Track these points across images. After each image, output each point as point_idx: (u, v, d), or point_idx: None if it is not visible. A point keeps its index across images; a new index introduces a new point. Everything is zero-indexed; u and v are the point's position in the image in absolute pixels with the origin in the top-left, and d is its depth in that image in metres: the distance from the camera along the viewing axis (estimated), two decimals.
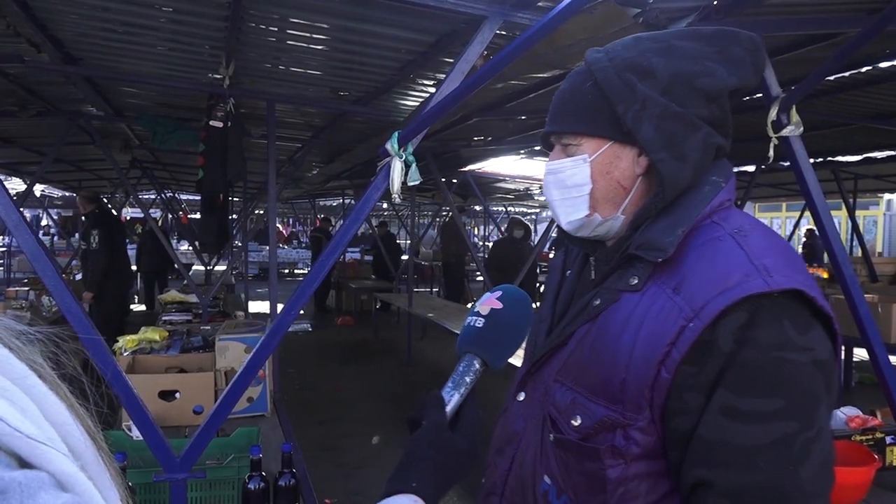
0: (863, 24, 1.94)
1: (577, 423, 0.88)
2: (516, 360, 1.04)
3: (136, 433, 2.41)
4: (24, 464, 0.34)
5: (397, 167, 1.93)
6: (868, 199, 14.10)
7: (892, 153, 6.08)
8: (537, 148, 6.22)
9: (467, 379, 0.88)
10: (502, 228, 7.33)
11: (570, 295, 1.03)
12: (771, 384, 0.76)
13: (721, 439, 0.77)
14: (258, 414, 3.02)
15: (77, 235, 13.91)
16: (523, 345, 0.99)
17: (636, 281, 0.87)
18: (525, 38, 1.61)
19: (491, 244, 7.49)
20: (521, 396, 1.00)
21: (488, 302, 0.92)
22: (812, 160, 2.05)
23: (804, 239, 10.80)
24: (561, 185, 0.96)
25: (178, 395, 2.88)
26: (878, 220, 16.51)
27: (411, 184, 1.96)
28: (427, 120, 1.93)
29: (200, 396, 2.89)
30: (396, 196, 1.96)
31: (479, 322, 0.90)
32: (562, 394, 0.91)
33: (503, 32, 2.37)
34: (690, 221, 0.86)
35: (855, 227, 7.93)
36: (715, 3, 1.88)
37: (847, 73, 3.32)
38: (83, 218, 6.73)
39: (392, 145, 1.93)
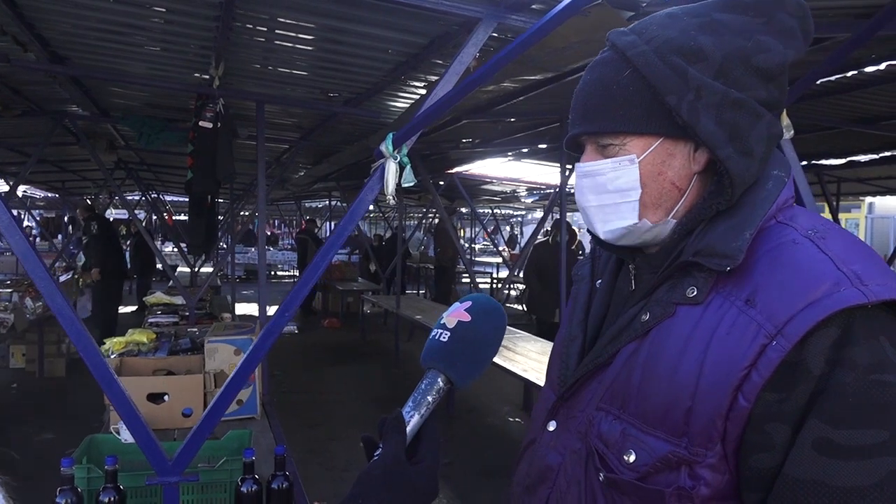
0: (852, 29, 1.97)
1: (631, 459, 0.76)
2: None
3: (125, 436, 2.39)
4: None
5: (392, 169, 1.93)
6: (850, 202, 14.24)
7: (874, 156, 6.16)
8: (525, 150, 6.24)
9: (429, 398, 0.80)
10: (542, 231, 6.77)
11: (605, 308, 0.91)
12: (871, 412, 0.65)
13: (815, 479, 0.65)
14: (248, 416, 3.01)
15: (60, 237, 13.79)
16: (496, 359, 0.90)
17: (696, 292, 0.76)
18: (521, 40, 1.61)
19: (531, 248, 6.77)
20: (553, 426, 0.88)
21: (456, 313, 0.83)
22: None
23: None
24: (600, 190, 0.83)
25: (166, 397, 2.85)
26: (859, 222, 16.70)
27: (405, 185, 1.96)
28: (422, 122, 1.93)
29: (190, 399, 2.86)
30: (391, 198, 1.96)
31: (445, 336, 0.81)
32: (608, 424, 0.79)
33: (494, 34, 2.37)
34: (757, 223, 0.76)
35: None
36: None
37: (833, 78, 3.36)
38: (82, 222, 8.19)
39: (387, 147, 1.92)
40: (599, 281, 0.95)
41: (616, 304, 0.90)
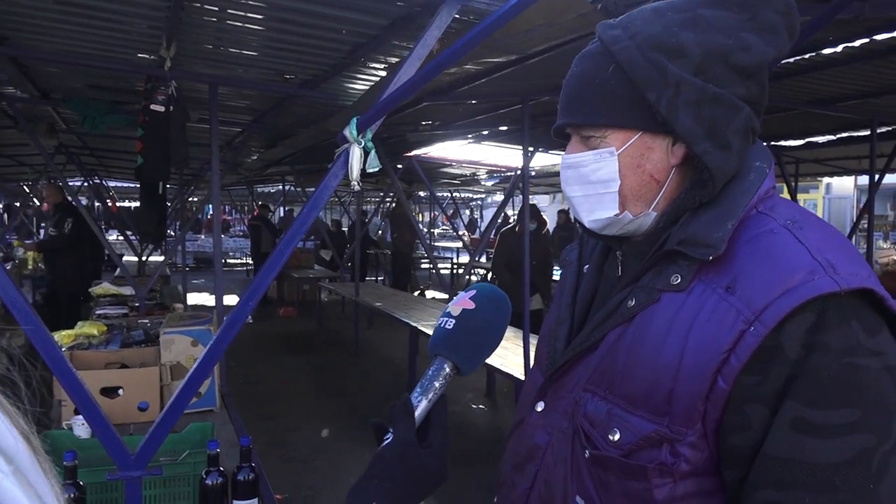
0: (812, 12, 2.02)
1: (615, 437, 0.79)
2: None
3: (78, 431, 2.31)
4: None
5: (356, 154, 1.89)
6: (808, 182, 14.64)
7: (831, 137, 6.38)
8: (485, 132, 6.23)
9: (436, 384, 0.82)
10: (511, 218, 6.41)
11: (592, 293, 0.94)
12: (845, 393, 0.69)
13: (792, 457, 0.69)
14: (206, 409, 2.94)
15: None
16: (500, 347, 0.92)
17: (679, 280, 0.79)
18: (487, 24, 1.59)
19: (497, 236, 6.45)
20: (541, 406, 0.92)
21: (461, 302, 0.86)
22: None
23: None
24: (583, 181, 0.86)
25: (121, 391, 2.76)
26: (817, 203, 17.24)
27: (371, 170, 1.93)
28: (387, 105, 1.89)
29: (145, 393, 2.78)
30: (356, 183, 1.92)
31: (450, 323, 0.85)
32: (594, 405, 0.83)
33: (457, 16, 2.35)
34: (738, 214, 0.79)
35: None
36: None
37: (792, 59, 3.45)
38: (52, 207, 7.41)
39: (351, 131, 1.88)
40: (587, 266, 0.98)
41: (603, 289, 0.93)
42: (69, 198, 7.08)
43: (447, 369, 0.83)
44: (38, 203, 7.51)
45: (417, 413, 0.80)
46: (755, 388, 0.71)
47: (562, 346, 0.92)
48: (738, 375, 0.72)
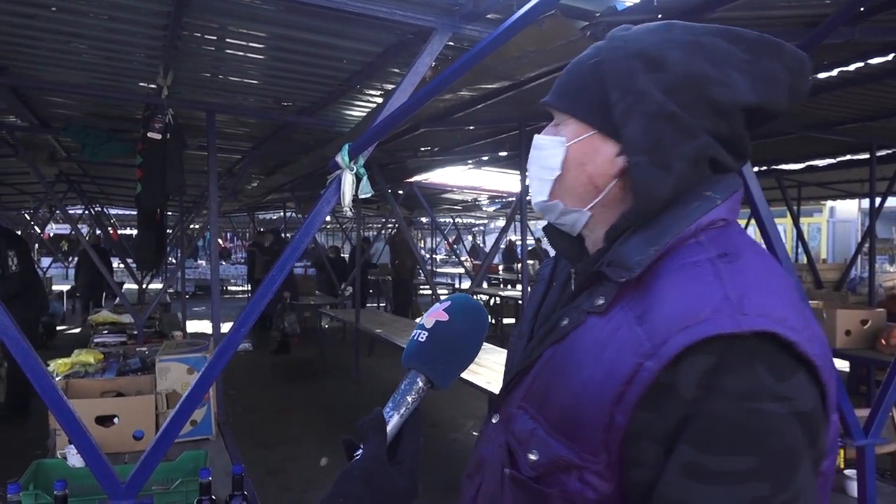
0: (800, 37, 2.03)
1: (534, 457, 0.78)
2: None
3: (72, 461, 2.28)
4: None
5: (348, 180, 1.90)
6: (812, 206, 14.26)
7: (832, 161, 6.37)
8: (485, 158, 6.26)
9: (409, 398, 0.80)
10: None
11: (552, 309, 0.92)
12: (741, 440, 0.66)
13: (682, 500, 0.67)
14: (202, 437, 2.91)
15: None
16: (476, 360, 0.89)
17: (601, 302, 0.77)
18: (476, 50, 1.61)
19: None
20: (496, 419, 0.90)
21: (434, 314, 0.84)
22: (756, 168, 2.12)
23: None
24: (538, 163, 0.87)
25: (116, 420, 2.74)
26: (821, 226, 17.02)
27: (363, 196, 1.93)
28: (378, 132, 1.91)
29: (141, 421, 2.75)
30: (348, 209, 1.93)
31: (423, 336, 0.82)
32: (523, 422, 0.81)
33: (451, 43, 2.37)
34: (667, 239, 0.76)
35: (800, 235, 8.08)
36: (659, 16, 1.94)
37: None
38: None
39: (343, 158, 1.89)
40: (556, 283, 0.97)
41: (561, 306, 0.91)
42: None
43: (420, 383, 0.81)
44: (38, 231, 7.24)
45: (389, 428, 0.78)
46: (649, 425, 0.69)
47: (517, 361, 0.90)
48: (634, 410, 0.70)
